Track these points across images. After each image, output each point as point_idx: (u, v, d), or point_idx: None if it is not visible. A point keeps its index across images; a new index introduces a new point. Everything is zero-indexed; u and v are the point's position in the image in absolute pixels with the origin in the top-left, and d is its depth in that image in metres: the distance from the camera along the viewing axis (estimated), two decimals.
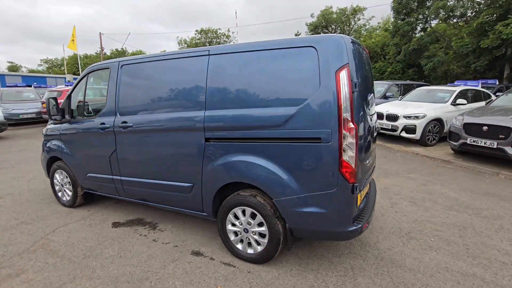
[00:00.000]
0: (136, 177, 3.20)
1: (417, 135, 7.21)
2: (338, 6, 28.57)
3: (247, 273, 2.52)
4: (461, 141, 6.01)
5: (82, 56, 53.47)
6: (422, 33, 16.45)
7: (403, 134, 7.39)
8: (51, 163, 4.10)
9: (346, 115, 2.12)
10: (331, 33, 31.30)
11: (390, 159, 6.51)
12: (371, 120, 2.77)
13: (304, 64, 2.22)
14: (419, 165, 6.09)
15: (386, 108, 7.95)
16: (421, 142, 7.33)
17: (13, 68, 62.73)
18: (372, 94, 3.01)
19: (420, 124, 7.13)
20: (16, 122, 11.96)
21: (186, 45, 44.12)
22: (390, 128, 7.66)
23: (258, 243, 2.59)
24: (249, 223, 2.59)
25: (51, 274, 2.53)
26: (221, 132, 2.56)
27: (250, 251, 2.65)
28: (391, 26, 17.41)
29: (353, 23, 28.96)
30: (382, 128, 7.95)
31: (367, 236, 3.14)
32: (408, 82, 11.23)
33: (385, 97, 9.78)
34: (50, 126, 4.07)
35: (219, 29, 40.19)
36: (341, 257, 2.75)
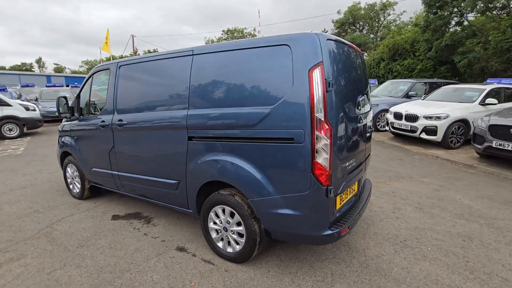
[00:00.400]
0: (131, 173, 3.34)
1: (438, 137, 6.73)
2: (366, 2, 27.51)
3: (224, 271, 2.53)
4: (486, 144, 5.53)
5: (118, 57, 56.74)
6: (457, 27, 15.26)
7: (423, 135, 6.94)
8: (64, 157, 4.41)
9: (319, 115, 2.05)
10: (359, 30, 30.28)
11: (406, 162, 6.16)
12: (360, 120, 2.65)
13: (279, 63, 2.17)
14: (437, 169, 5.69)
15: (405, 108, 7.51)
16: (443, 144, 6.83)
17: (58, 69, 68.30)
18: (365, 96, 2.89)
19: (441, 125, 6.65)
20: (52, 118, 13.02)
21: None
22: (409, 129, 7.23)
23: (237, 243, 2.59)
24: (228, 222, 2.60)
25: (46, 260, 2.74)
26: (202, 131, 2.59)
27: (229, 250, 2.66)
28: (422, 21, 16.32)
29: (382, 18, 27.63)
30: (400, 129, 7.53)
31: (357, 241, 3.00)
32: (435, 80, 10.48)
33: (407, 96, 9.23)
34: (64, 123, 4.38)
35: (245, 28, 40.46)
36: (324, 262, 2.66)
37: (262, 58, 2.26)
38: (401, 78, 16.07)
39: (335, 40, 2.31)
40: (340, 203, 2.39)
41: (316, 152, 2.08)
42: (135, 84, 3.22)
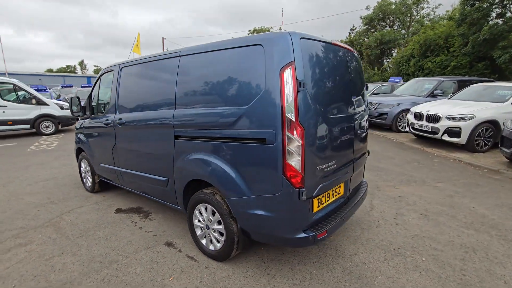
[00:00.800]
0: (130, 169, 3.52)
1: (462, 139, 6.24)
2: None
3: (204, 268, 2.58)
4: None
5: None
6: (498, 20, 13.95)
7: (445, 137, 6.47)
8: (79, 153, 4.74)
9: (290, 115, 2.01)
10: (389, 25, 28.82)
11: (423, 165, 5.79)
12: (351, 121, 2.60)
13: (253, 63, 2.16)
14: (456, 173, 5.28)
15: (427, 107, 7.05)
16: (468, 147, 6.32)
17: (98, 71, 73.36)
18: (359, 97, 2.80)
19: (466, 127, 6.15)
20: None
21: None
22: (429, 130, 6.78)
23: (218, 241, 2.62)
24: (210, 220, 2.64)
25: (48, 247, 2.98)
26: (186, 130, 2.66)
27: (211, 247, 2.70)
28: (457, 14, 15.14)
29: (415, 13, 25.99)
30: (420, 130, 7.09)
31: (346, 246, 2.90)
32: (466, 77, 9.68)
33: (432, 95, 8.64)
34: (80, 121, 4.70)
35: (271, 28, 40.27)
36: (306, 265, 2.61)
37: (239, 58, 2.26)
38: (432, 76, 15.09)
39: (314, 40, 2.24)
40: (319, 206, 2.33)
41: (288, 154, 2.04)
42: (133, 84, 3.38)
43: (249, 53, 2.19)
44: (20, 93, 10.38)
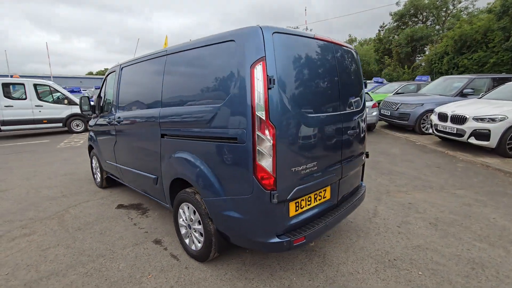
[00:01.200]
0: (127, 166, 3.61)
1: (491, 143, 5.65)
2: None
3: (184, 268, 2.56)
4: None
5: None
6: None
7: (472, 140, 5.90)
8: (91, 150, 4.98)
9: (260, 114, 1.91)
10: (421, 21, 27.08)
11: (444, 170, 5.32)
12: (341, 121, 2.48)
13: (227, 59, 2.10)
14: (481, 180, 4.79)
15: (452, 108, 6.48)
16: (499, 151, 5.71)
17: None
18: (352, 95, 2.66)
19: (496, 129, 5.56)
20: None
21: None
22: (454, 132, 6.22)
23: (199, 241, 2.59)
24: (191, 220, 2.62)
25: (47, 238, 3.14)
26: (170, 129, 2.66)
27: (193, 247, 2.67)
28: (498, 6, 13.82)
29: (451, 7, 24.11)
30: (444, 132, 6.54)
31: (336, 254, 2.72)
32: (503, 75, 8.76)
33: (462, 95, 7.94)
34: (92, 120, 4.93)
35: (297, 27, 39.73)
36: (287, 271, 2.48)
37: (215, 55, 2.21)
38: (468, 74, 13.93)
39: (290, 34, 2.12)
40: (297, 210, 2.20)
41: (259, 154, 1.95)
42: (130, 83, 3.47)
43: (224, 49, 2.13)
44: (54, 94, 11.22)
